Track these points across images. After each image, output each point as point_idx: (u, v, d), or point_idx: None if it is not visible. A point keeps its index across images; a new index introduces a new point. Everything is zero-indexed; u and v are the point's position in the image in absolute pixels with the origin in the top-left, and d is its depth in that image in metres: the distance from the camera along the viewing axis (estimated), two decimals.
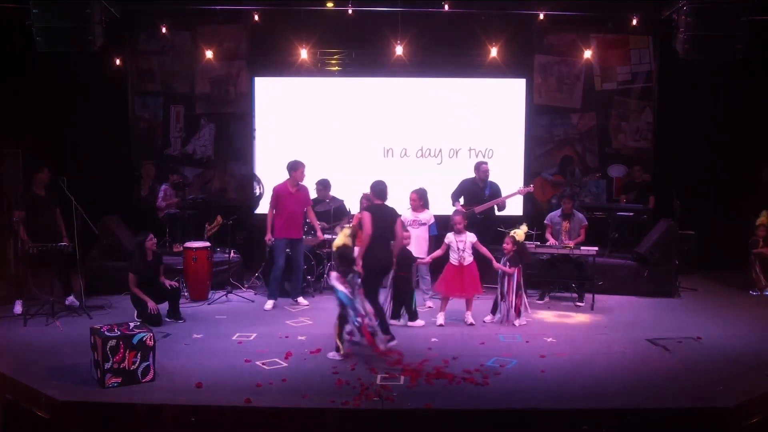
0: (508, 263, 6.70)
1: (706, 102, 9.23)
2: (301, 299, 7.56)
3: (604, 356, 5.68)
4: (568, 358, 5.61)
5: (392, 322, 6.65)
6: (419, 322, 6.67)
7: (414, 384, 4.96)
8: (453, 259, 6.70)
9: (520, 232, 6.74)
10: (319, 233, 7.68)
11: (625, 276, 8.15)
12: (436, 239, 7.42)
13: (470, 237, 6.71)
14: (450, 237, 6.74)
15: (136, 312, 6.66)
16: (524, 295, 6.79)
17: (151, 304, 6.56)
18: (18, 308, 6.97)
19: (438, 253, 6.89)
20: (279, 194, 7.36)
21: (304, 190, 7.56)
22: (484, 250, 6.77)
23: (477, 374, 5.16)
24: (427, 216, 7.34)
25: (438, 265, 7.00)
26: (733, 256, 8.77)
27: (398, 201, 8.16)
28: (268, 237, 7.36)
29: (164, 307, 6.74)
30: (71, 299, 7.23)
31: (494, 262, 6.79)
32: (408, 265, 6.76)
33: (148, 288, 6.67)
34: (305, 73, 9.41)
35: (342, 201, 8.25)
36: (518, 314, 6.69)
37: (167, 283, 6.83)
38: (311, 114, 9.60)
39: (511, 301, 6.65)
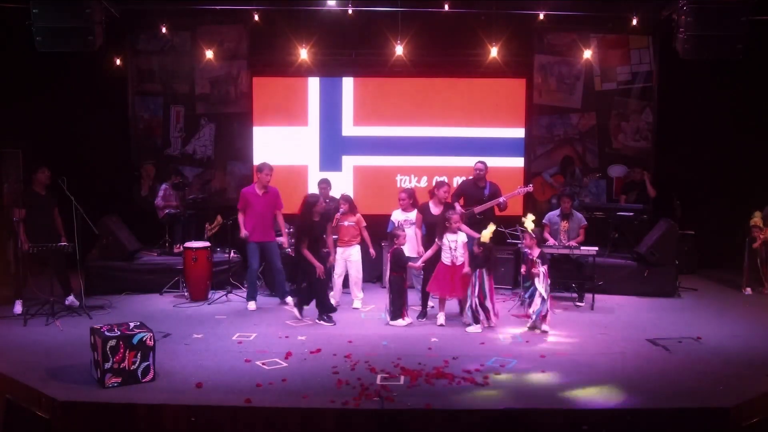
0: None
1: (706, 102, 9.22)
2: (289, 299, 7.54)
3: (604, 356, 5.68)
4: (568, 358, 5.61)
5: (392, 323, 6.67)
6: (400, 322, 6.67)
7: (414, 384, 4.96)
8: (445, 258, 6.67)
9: (486, 233, 6.57)
10: (284, 239, 7.65)
11: (625, 276, 8.15)
12: (426, 238, 7.41)
13: (462, 237, 6.70)
14: (443, 236, 6.73)
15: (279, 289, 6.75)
16: (490, 302, 6.56)
17: (319, 269, 6.60)
18: (18, 308, 6.97)
19: (429, 254, 6.84)
20: (247, 197, 7.36)
21: (274, 192, 7.53)
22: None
23: (477, 374, 5.16)
24: (416, 215, 7.33)
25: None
26: (733, 256, 8.76)
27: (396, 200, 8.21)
28: (243, 233, 7.32)
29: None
30: (71, 299, 7.24)
31: (466, 266, 6.69)
32: (401, 266, 6.78)
33: (313, 251, 6.67)
34: (305, 73, 9.41)
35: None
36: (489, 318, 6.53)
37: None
38: (311, 114, 9.60)
39: (475, 304, 6.49)
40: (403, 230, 6.99)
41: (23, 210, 6.98)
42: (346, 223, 7.40)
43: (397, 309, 6.71)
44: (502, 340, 6.20)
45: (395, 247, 6.83)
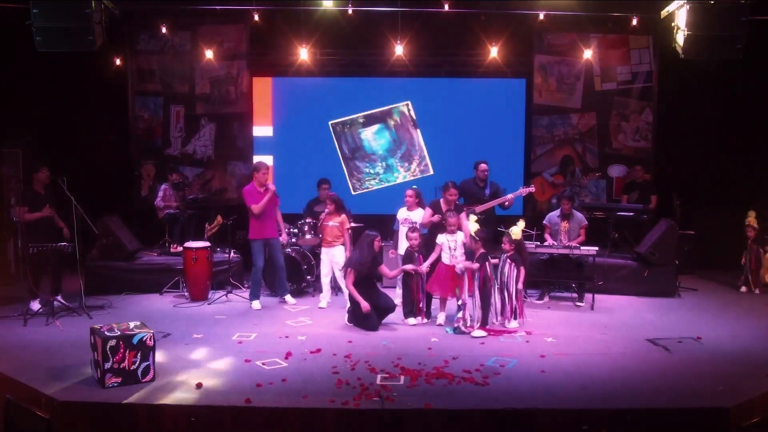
0: (512, 264, 6.57)
1: (706, 102, 9.23)
2: (288, 298, 7.57)
3: (604, 356, 5.68)
4: (568, 358, 5.61)
5: (407, 321, 6.70)
6: (411, 321, 6.70)
7: (414, 384, 4.96)
8: (444, 258, 6.68)
9: (516, 230, 6.65)
10: (284, 237, 7.76)
11: (625, 276, 8.15)
12: (426, 239, 7.40)
13: (460, 236, 6.71)
14: (442, 238, 6.72)
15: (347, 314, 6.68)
16: (522, 299, 6.66)
17: (364, 305, 6.44)
18: (35, 305, 6.95)
19: (433, 256, 6.81)
20: (252, 194, 7.35)
21: (272, 190, 7.51)
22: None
23: (477, 374, 5.16)
24: (418, 216, 7.32)
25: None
26: (733, 256, 8.76)
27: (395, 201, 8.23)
28: (270, 186, 7.32)
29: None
30: (58, 299, 7.20)
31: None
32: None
33: (364, 287, 6.58)
34: (305, 73, 9.42)
35: (342, 201, 8.24)
36: (514, 316, 6.56)
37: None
38: (311, 114, 9.61)
39: (512, 302, 6.53)
40: (416, 231, 6.95)
41: (24, 209, 6.97)
42: (330, 224, 7.38)
43: (410, 307, 6.73)
44: (502, 340, 6.20)
45: (408, 248, 6.84)
